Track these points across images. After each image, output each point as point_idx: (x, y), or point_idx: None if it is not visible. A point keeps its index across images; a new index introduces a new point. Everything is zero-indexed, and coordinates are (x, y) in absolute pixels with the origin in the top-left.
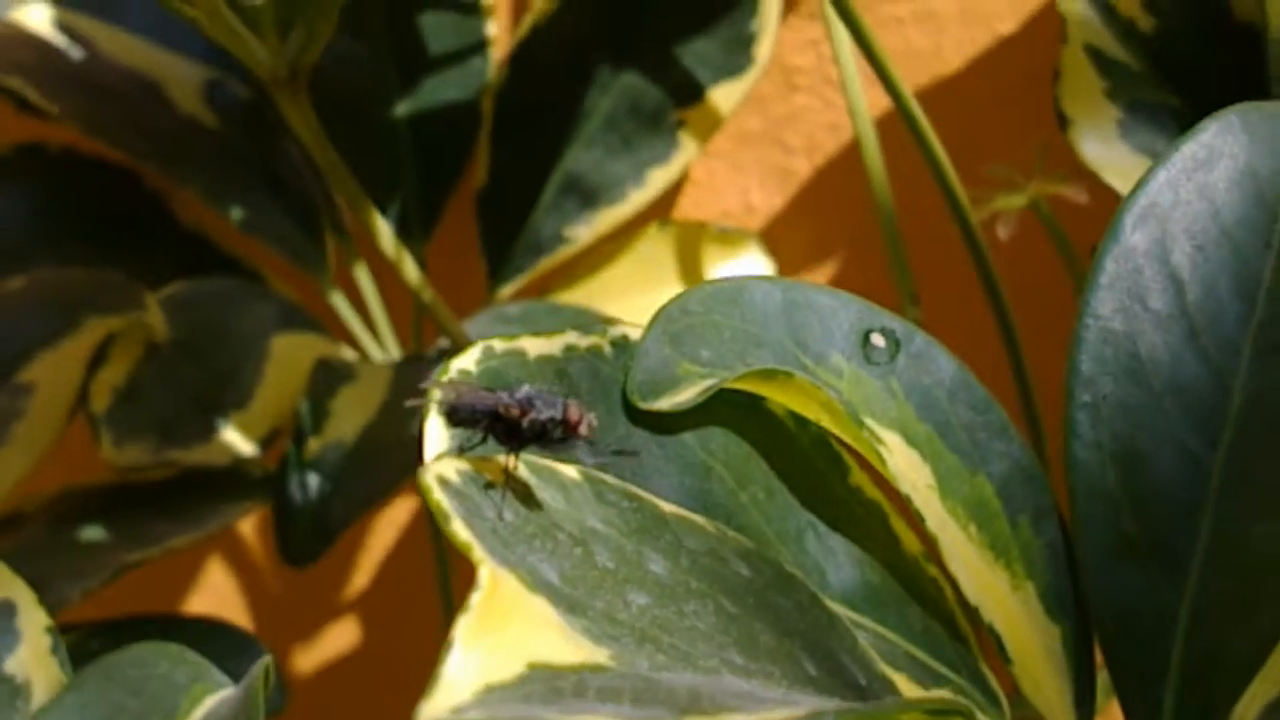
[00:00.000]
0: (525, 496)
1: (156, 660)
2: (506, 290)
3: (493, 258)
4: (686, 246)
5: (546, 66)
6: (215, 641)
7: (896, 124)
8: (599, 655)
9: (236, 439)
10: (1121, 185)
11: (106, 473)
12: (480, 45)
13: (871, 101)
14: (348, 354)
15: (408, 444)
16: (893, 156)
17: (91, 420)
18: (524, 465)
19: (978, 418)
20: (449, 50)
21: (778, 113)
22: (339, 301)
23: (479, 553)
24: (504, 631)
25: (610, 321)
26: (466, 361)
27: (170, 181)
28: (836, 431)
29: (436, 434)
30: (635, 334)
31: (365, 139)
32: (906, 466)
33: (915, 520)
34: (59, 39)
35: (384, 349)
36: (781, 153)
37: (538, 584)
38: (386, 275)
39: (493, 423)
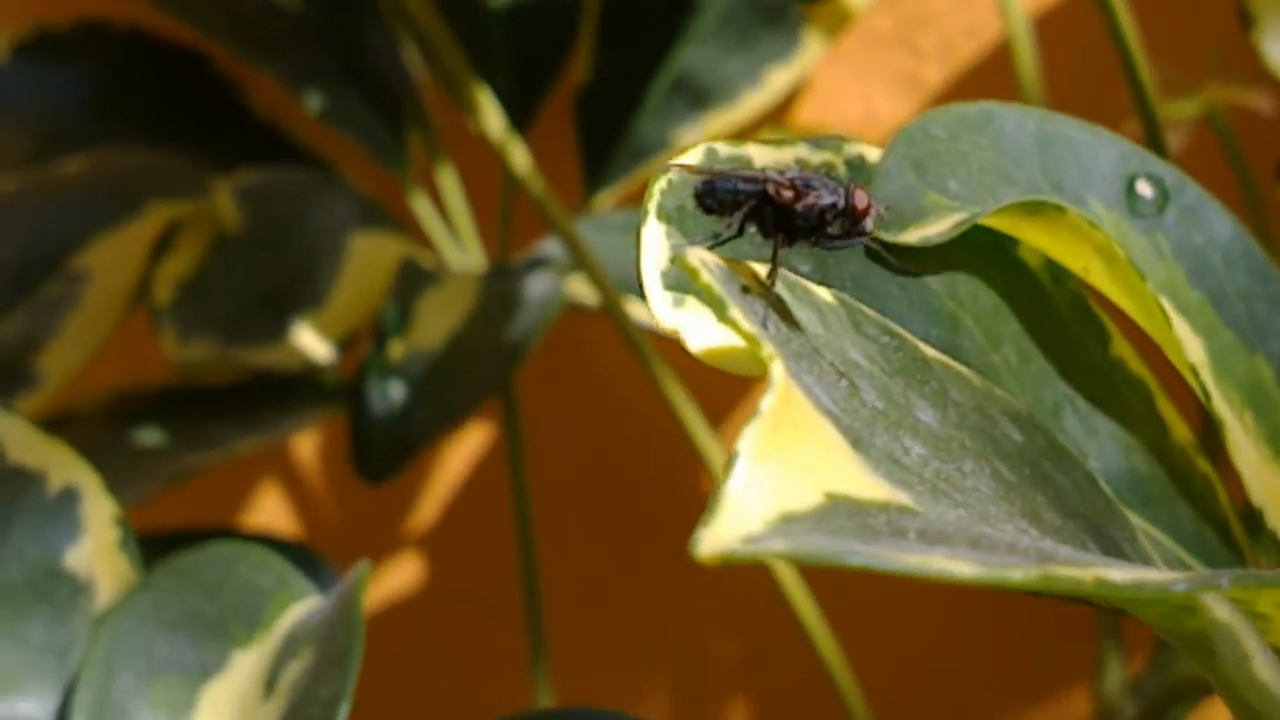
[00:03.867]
0: (783, 311)
1: (237, 562)
2: (604, 197)
3: (590, 162)
4: None
5: None
6: (286, 557)
7: (1038, 29)
8: (900, 497)
9: (310, 341)
10: None
11: (166, 373)
12: None
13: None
14: (429, 258)
15: (497, 356)
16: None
17: (153, 314)
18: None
19: (1257, 287)
20: None
21: (910, 12)
22: (420, 202)
23: (769, 347)
24: (796, 450)
25: (844, 137)
26: (690, 160)
27: (245, 65)
28: (1107, 286)
29: (658, 236)
30: (872, 155)
31: (458, 29)
32: (1181, 338)
33: (1195, 401)
34: None
35: (466, 255)
36: (912, 57)
37: (820, 406)
38: (471, 177)
39: (759, 207)
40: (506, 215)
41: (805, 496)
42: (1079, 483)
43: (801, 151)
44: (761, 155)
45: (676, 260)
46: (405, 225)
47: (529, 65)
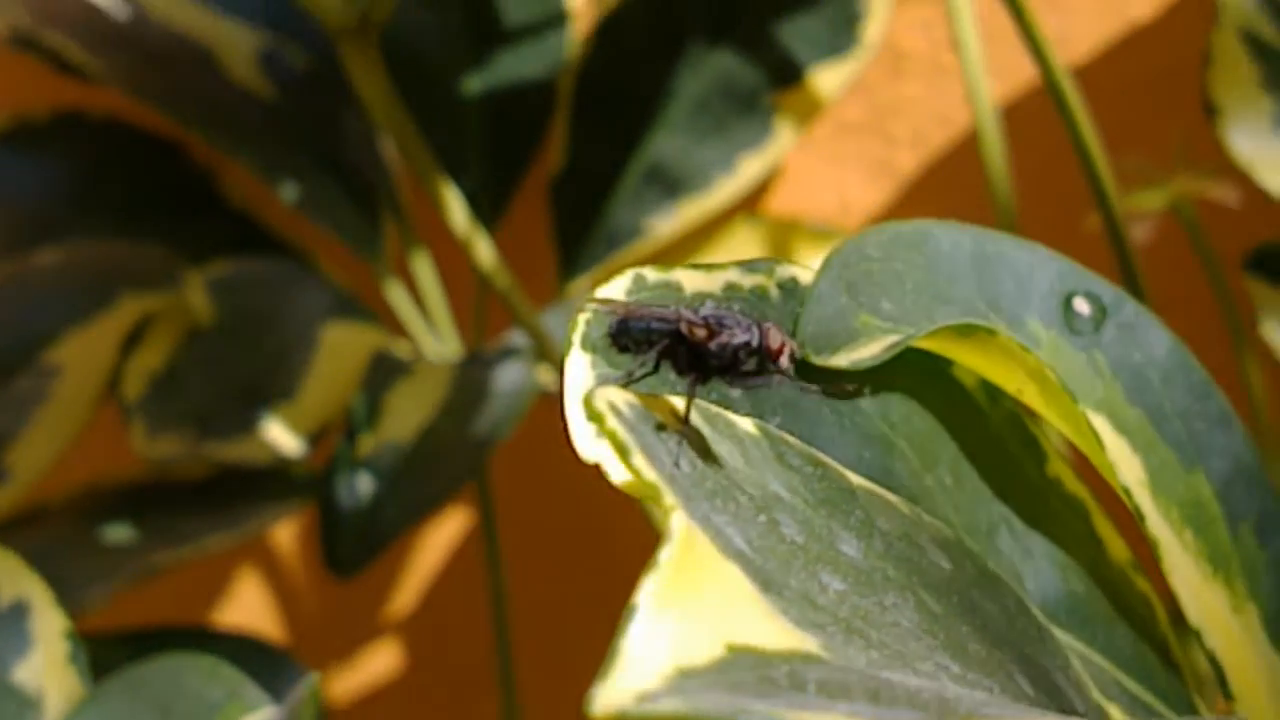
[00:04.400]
0: (700, 447)
1: (187, 674)
2: (578, 285)
3: (565, 249)
4: (777, 244)
5: (632, 42)
6: (248, 658)
7: (1011, 117)
8: (807, 643)
9: (281, 434)
10: (1276, 183)
11: (137, 467)
12: (560, 19)
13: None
14: (404, 348)
15: (468, 447)
16: (1008, 153)
17: (124, 408)
18: (694, 410)
19: (1195, 404)
20: (526, 23)
21: (882, 101)
22: (395, 291)
23: (670, 498)
24: (698, 600)
25: (777, 259)
26: (614, 290)
27: (219, 155)
28: (1040, 407)
29: (582, 366)
30: (805, 277)
31: (431, 117)
32: (1117, 457)
33: (1128, 521)
34: None
35: (442, 344)
36: (884, 145)
37: (728, 549)
38: (447, 265)
39: (672, 345)
40: (481, 302)
41: (705, 649)
42: (1009, 610)
43: (732, 276)
44: (691, 281)
45: (584, 404)
46: (380, 314)
47: (504, 152)
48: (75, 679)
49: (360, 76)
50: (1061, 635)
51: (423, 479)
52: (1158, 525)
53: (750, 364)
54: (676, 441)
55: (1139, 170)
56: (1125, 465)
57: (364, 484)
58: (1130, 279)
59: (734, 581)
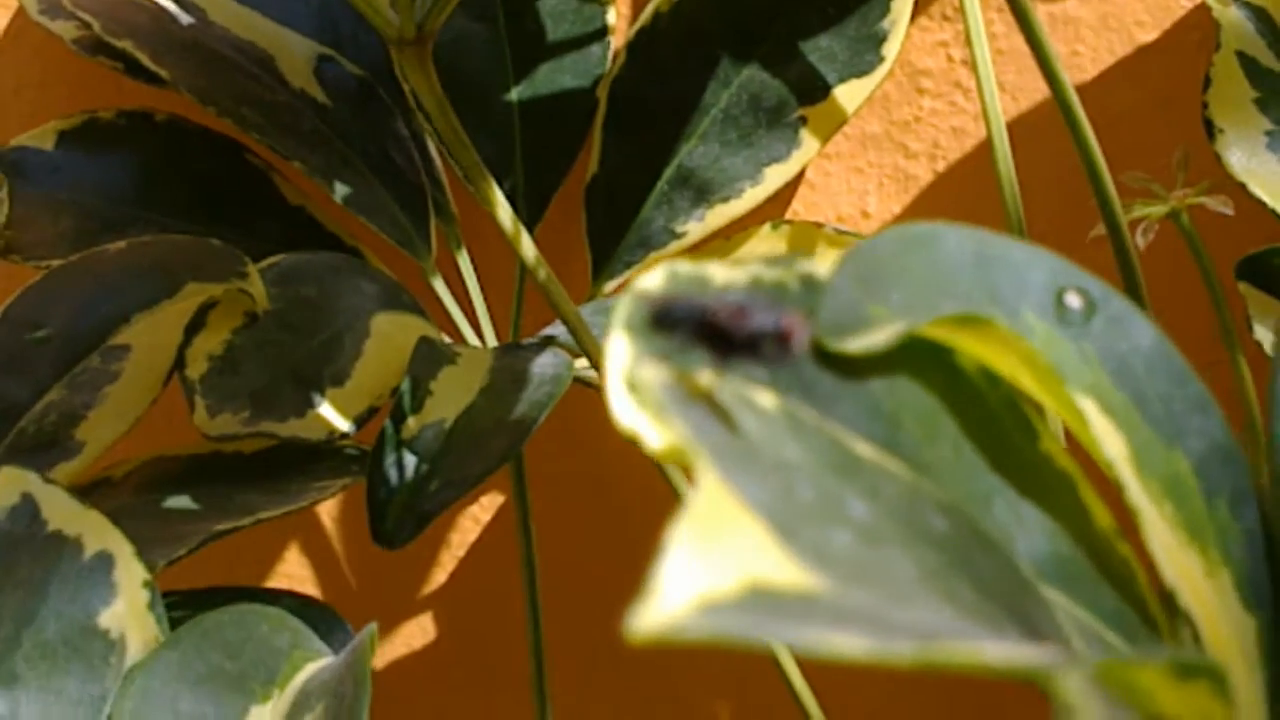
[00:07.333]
0: (725, 418)
1: (257, 623)
2: (610, 285)
3: (598, 251)
4: (800, 249)
5: (666, 57)
6: (303, 615)
7: (1022, 132)
8: (817, 584)
9: (332, 415)
10: (1268, 197)
11: (197, 442)
12: (600, 33)
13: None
14: (446, 339)
15: (507, 430)
16: (1019, 165)
17: (186, 387)
18: (721, 386)
19: (1176, 390)
20: (567, 37)
21: (901, 115)
22: (439, 287)
23: (699, 458)
24: (721, 542)
25: (796, 257)
26: (651, 282)
27: (277, 155)
28: (1032, 390)
29: (623, 345)
30: (822, 272)
31: (476, 124)
32: (1102, 435)
33: (1111, 493)
34: (171, 5)
35: (482, 337)
36: (902, 156)
37: (748, 502)
38: (487, 264)
39: (703, 329)
40: (520, 300)
41: (727, 584)
42: (1000, 567)
43: (757, 271)
44: (720, 275)
45: (626, 378)
46: (425, 307)
47: (543, 158)
48: (154, 624)
49: (417, 83)
50: (1049, 592)
51: (464, 458)
52: (1138, 496)
53: (770, 346)
54: (705, 413)
55: (1142, 183)
56: (1110, 443)
57: (409, 462)
58: (1132, 283)
59: (753, 528)
